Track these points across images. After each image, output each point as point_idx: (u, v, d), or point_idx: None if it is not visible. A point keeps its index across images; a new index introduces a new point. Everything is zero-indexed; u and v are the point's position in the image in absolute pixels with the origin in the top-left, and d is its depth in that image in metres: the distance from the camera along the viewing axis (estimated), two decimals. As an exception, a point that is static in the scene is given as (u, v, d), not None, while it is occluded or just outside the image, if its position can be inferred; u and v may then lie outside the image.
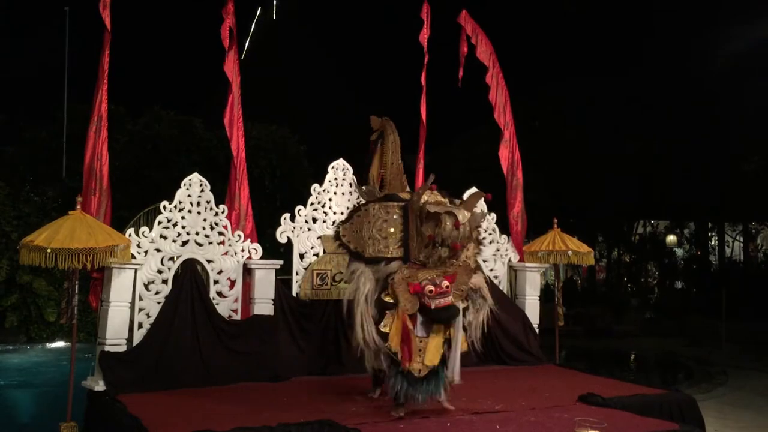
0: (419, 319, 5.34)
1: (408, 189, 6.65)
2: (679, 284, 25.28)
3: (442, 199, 5.70)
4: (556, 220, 8.89)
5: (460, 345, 5.38)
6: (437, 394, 5.43)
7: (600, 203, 21.79)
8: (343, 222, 6.07)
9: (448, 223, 5.39)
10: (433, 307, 5.23)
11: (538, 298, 8.99)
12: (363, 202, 6.28)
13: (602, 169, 21.47)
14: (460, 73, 9.23)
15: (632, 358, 15.65)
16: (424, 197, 5.62)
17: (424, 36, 9.04)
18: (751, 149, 20.67)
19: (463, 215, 5.49)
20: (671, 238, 26.41)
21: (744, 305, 18.65)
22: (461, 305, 5.37)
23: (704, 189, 21.51)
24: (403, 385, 5.30)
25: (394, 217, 5.59)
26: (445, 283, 5.28)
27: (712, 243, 26.97)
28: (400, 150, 6.85)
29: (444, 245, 5.42)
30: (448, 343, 5.40)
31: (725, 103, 20.85)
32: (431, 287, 5.23)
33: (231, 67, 7.70)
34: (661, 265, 25.53)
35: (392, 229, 5.55)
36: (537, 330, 8.79)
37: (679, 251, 26.79)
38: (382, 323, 5.37)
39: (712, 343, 15.41)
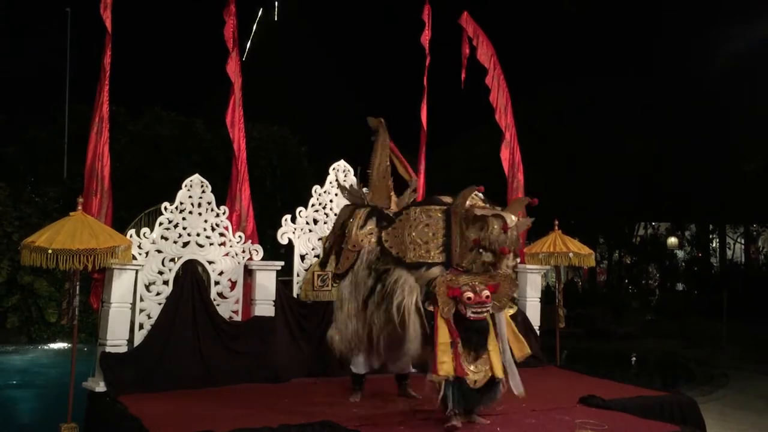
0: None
1: (393, 193, 6.54)
2: (680, 286, 25.29)
3: (484, 204, 5.47)
4: (557, 222, 8.88)
5: (512, 354, 5.26)
6: (489, 405, 5.26)
7: (600, 204, 21.80)
8: (385, 227, 5.74)
9: (495, 227, 5.15)
10: (468, 316, 5.03)
11: (539, 299, 8.98)
12: (410, 204, 6.13)
13: (602, 170, 21.50)
14: (463, 75, 9.24)
15: (633, 359, 15.64)
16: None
17: (425, 38, 9.05)
18: (751, 149, 20.67)
19: (510, 219, 5.27)
20: (672, 240, 26.42)
21: (745, 307, 18.64)
22: (510, 311, 5.25)
23: (705, 190, 21.52)
24: (455, 396, 5.05)
25: (436, 220, 5.35)
26: (486, 293, 5.08)
27: (713, 245, 26.98)
28: (397, 150, 6.82)
29: (489, 250, 5.18)
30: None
31: (725, 103, 20.86)
32: (470, 294, 5.03)
33: (233, 68, 7.70)
34: (662, 266, 25.54)
35: (433, 234, 5.31)
36: (538, 332, 8.78)
37: (680, 253, 26.80)
38: None
39: (713, 345, 15.40)
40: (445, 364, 4.96)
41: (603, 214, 22.50)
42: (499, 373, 5.09)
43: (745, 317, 17.67)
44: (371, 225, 5.90)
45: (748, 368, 12.81)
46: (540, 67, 23.03)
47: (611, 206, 22.00)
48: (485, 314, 5.09)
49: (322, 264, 6.47)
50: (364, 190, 6.74)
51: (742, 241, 28.15)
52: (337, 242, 6.09)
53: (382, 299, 5.58)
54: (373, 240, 5.79)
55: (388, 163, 6.60)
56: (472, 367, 5.06)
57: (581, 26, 23.20)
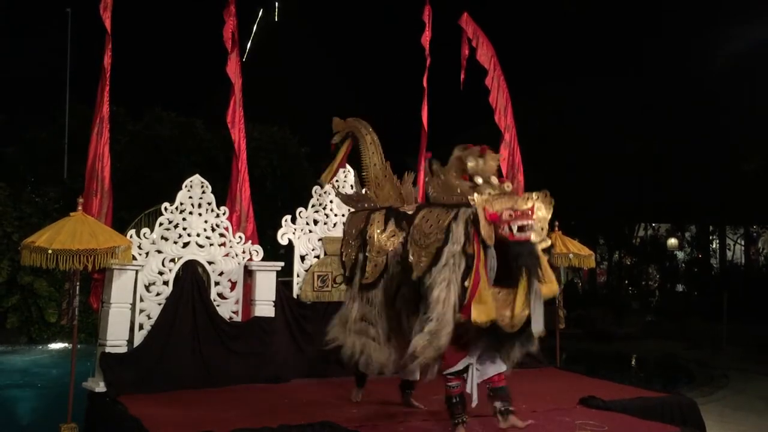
0: (493, 263, 4.71)
1: (400, 189, 6.28)
2: (680, 287, 25.29)
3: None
4: (557, 223, 8.87)
5: (541, 291, 4.67)
6: (530, 347, 4.90)
7: (600, 204, 21.79)
8: (404, 228, 5.48)
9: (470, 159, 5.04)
10: (514, 233, 4.55)
11: (539, 300, 8.96)
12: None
13: (602, 170, 21.50)
14: (462, 76, 9.24)
15: (633, 360, 15.63)
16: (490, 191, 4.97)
17: (425, 38, 9.05)
18: (751, 149, 20.68)
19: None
20: (672, 241, 26.42)
21: (745, 308, 18.64)
22: (545, 244, 4.79)
23: (705, 190, 21.52)
24: (495, 344, 4.75)
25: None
26: (526, 207, 4.66)
27: (713, 246, 26.99)
28: (382, 150, 6.54)
29: (486, 180, 4.97)
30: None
31: (725, 103, 20.87)
32: (511, 212, 4.61)
33: (233, 69, 7.71)
34: (662, 268, 25.54)
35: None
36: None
37: (680, 254, 26.80)
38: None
39: (713, 346, 15.39)
40: (487, 307, 4.59)
41: (603, 214, 22.50)
42: (519, 309, 4.58)
43: (745, 318, 17.66)
44: (392, 227, 5.66)
45: (748, 369, 12.80)
46: (540, 67, 23.01)
47: (611, 207, 22.00)
48: (531, 233, 4.63)
49: (348, 279, 5.98)
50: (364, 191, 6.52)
51: (742, 243, 28.16)
52: (359, 251, 5.77)
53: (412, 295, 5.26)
54: (397, 242, 5.54)
55: (384, 159, 6.44)
56: (507, 312, 4.62)
57: (581, 26, 23.20)
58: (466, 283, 4.65)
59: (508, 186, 5.11)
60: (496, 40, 9.29)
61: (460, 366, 4.96)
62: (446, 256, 4.71)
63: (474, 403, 5.03)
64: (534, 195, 4.84)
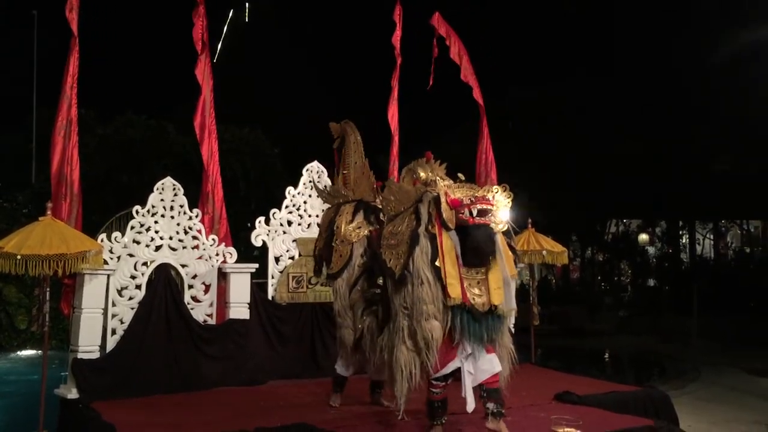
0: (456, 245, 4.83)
1: (374, 188, 6.40)
2: (651, 282, 25.61)
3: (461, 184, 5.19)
4: (530, 220, 8.95)
5: (509, 271, 4.91)
6: (498, 332, 4.94)
7: (573, 200, 21.96)
8: (373, 221, 5.87)
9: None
10: (474, 218, 4.71)
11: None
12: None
13: (576, 167, 21.68)
14: (431, 79, 9.28)
15: (607, 356, 15.81)
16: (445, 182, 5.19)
17: (396, 38, 9.07)
18: (720, 148, 21.04)
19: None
20: (643, 237, 26.75)
21: (715, 302, 18.94)
22: (502, 227, 4.94)
23: (675, 187, 21.83)
24: (468, 324, 4.75)
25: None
26: (487, 195, 4.81)
27: (683, 241, 27.38)
28: (363, 149, 6.68)
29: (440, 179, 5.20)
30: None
31: (695, 102, 21.18)
32: (471, 198, 4.78)
33: (202, 70, 7.65)
34: (633, 263, 25.83)
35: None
36: (512, 329, 8.81)
37: (651, 249, 27.15)
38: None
39: (684, 339, 15.63)
40: (454, 287, 4.72)
41: (575, 210, 22.68)
42: (496, 300, 4.80)
43: (714, 312, 17.94)
44: (359, 218, 5.89)
45: (718, 362, 13.02)
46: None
47: (584, 203, 22.21)
48: (490, 218, 4.80)
49: (317, 272, 6.23)
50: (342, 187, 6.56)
51: (712, 237, 28.61)
52: (326, 244, 5.95)
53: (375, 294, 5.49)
54: (363, 233, 5.78)
55: (365, 159, 6.56)
56: (476, 290, 4.80)
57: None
58: (437, 263, 4.76)
59: (461, 177, 5.27)
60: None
61: (447, 370, 4.95)
62: (421, 237, 4.81)
63: (470, 408, 5.00)
64: (494, 188, 4.99)
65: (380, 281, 5.49)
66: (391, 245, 4.99)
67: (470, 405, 4.98)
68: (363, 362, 5.92)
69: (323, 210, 6.82)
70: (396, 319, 4.89)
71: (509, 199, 5.01)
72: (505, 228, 5.03)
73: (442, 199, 4.85)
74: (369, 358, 5.58)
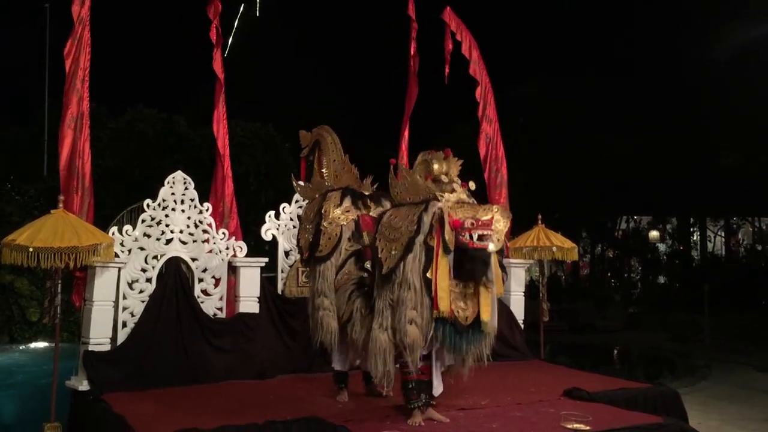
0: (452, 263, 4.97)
1: (359, 179, 6.46)
2: (661, 279, 25.52)
3: (467, 199, 5.33)
4: (540, 216, 8.92)
5: (496, 291, 5.07)
6: (478, 346, 5.03)
7: (584, 198, 21.92)
8: (360, 207, 5.92)
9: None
10: (474, 242, 4.82)
11: (523, 294, 9.01)
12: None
13: (587, 164, 21.62)
14: (447, 70, 9.27)
15: (616, 352, 15.77)
16: (450, 197, 5.24)
17: (413, 31, 9.10)
18: (731, 145, 20.90)
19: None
20: (654, 234, 26.64)
21: (726, 299, 18.84)
22: (495, 247, 5.01)
23: (686, 184, 21.73)
24: (450, 336, 4.88)
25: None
26: (487, 218, 4.90)
27: (694, 238, 27.24)
28: (341, 148, 6.76)
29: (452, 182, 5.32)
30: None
31: (706, 99, 21.05)
32: (472, 220, 4.86)
33: (219, 65, 7.67)
34: (643, 260, 25.74)
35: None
36: (522, 326, 8.82)
37: (661, 246, 27.04)
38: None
39: (694, 337, 15.56)
40: (444, 300, 4.84)
41: (586, 208, 22.64)
42: (486, 316, 4.93)
43: (726, 309, 17.86)
44: (347, 203, 5.87)
45: (729, 360, 12.97)
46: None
47: (595, 200, 22.15)
48: (488, 242, 4.89)
49: (307, 261, 6.19)
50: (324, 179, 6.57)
51: (723, 234, 28.44)
52: (316, 230, 5.82)
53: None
54: (351, 217, 5.80)
55: (344, 155, 6.63)
56: (461, 304, 4.95)
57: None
58: (429, 274, 4.87)
59: (472, 185, 5.45)
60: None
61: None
62: (417, 246, 4.91)
63: (437, 391, 5.31)
64: (494, 207, 5.08)
65: (368, 265, 5.53)
66: (387, 237, 5.10)
67: (438, 388, 5.34)
68: (353, 355, 5.93)
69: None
70: (381, 305, 5.04)
71: (508, 220, 5.12)
72: (500, 247, 5.12)
73: (445, 220, 4.91)
74: (355, 344, 5.53)
